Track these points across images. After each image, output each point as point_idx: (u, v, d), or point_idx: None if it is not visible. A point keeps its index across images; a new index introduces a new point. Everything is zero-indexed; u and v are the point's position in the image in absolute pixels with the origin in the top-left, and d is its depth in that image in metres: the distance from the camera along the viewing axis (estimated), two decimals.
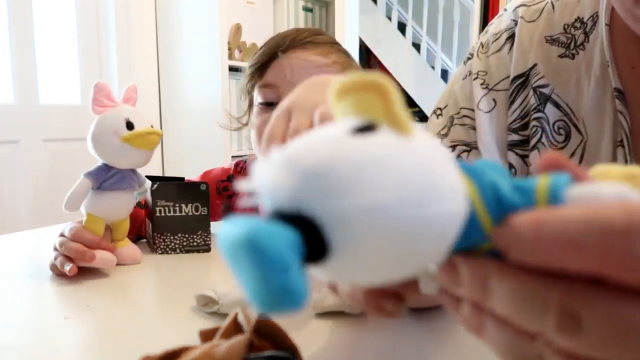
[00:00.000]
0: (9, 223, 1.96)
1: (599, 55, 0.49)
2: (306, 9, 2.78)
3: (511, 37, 0.55)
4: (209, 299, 0.51)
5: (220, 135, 2.21)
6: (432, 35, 4.07)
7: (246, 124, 0.85)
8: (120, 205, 0.70)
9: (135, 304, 0.57)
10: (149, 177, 0.77)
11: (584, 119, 0.50)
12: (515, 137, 0.53)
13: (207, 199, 0.73)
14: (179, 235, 0.73)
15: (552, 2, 0.53)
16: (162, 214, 0.72)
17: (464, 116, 0.55)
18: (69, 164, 2.16)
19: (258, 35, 2.45)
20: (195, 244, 0.73)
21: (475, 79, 0.55)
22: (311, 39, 0.76)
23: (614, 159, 0.48)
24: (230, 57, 2.28)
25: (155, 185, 0.73)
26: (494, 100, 0.54)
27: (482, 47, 0.57)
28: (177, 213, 0.72)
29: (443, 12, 3.93)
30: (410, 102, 4.20)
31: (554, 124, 0.51)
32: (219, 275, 0.64)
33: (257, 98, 0.77)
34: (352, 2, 2.98)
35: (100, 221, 0.68)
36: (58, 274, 0.64)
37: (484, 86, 0.55)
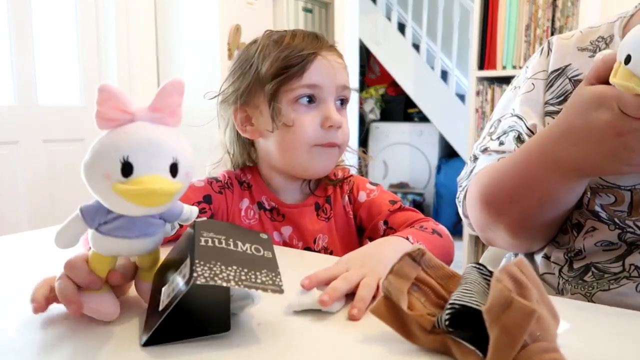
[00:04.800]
0: (8, 224, 1.97)
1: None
2: (306, 10, 2.78)
3: (548, 49, 0.79)
4: None
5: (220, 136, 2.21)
6: (431, 36, 4.08)
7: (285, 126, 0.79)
8: (134, 251, 0.51)
9: (135, 305, 0.56)
10: None
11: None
12: (553, 108, 0.74)
13: (271, 247, 0.53)
14: (234, 267, 0.47)
15: (580, 31, 0.78)
16: (209, 245, 0.49)
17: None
18: (69, 164, 2.16)
19: (258, 36, 2.45)
20: (259, 281, 0.47)
21: (528, 78, 0.80)
22: (330, 42, 0.83)
23: None
24: (230, 57, 2.29)
25: (203, 219, 0.52)
26: (532, 84, 0.78)
27: (528, 68, 0.82)
28: (232, 247, 0.50)
29: (443, 12, 3.93)
30: (410, 103, 4.21)
31: None
32: None
33: (294, 96, 0.77)
34: (352, 2, 2.98)
35: (105, 260, 0.50)
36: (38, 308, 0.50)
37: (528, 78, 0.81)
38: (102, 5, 2.26)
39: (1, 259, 0.76)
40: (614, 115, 0.51)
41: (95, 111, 0.45)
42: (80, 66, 2.24)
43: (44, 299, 0.49)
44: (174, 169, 0.47)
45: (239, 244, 0.51)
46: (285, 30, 0.83)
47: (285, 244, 0.84)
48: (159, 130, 0.47)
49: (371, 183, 0.87)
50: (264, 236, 0.54)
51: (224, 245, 0.49)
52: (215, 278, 0.45)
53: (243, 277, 0.46)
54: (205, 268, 0.45)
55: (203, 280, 0.44)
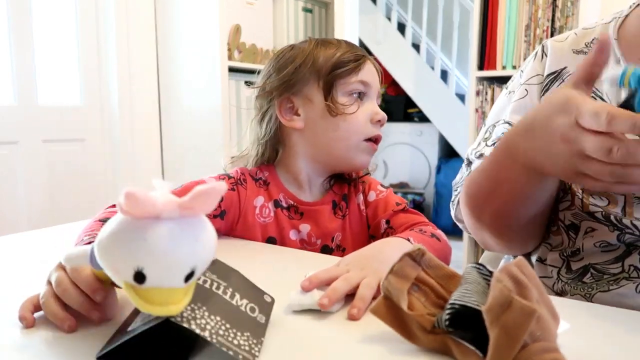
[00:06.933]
0: (8, 224, 1.96)
1: (613, 56, 0.68)
2: (306, 10, 2.78)
3: (542, 52, 0.78)
4: None
5: (220, 137, 2.21)
6: (431, 36, 4.08)
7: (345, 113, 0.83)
8: None
9: None
10: None
11: (607, 93, 0.69)
12: None
13: (269, 312, 0.51)
14: (218, 318, 0.45)
15: (575, 33, 0.78)
16: (205, 286, 0.47)
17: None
18: (69, 164, 2.16)
19: (257, 36, 2.45)
20: (235, 343, 0.44)
21: (522, 84, 0.79)
22: None
23: None
24: (230, 57, 2.29)
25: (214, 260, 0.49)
26: (526, 90, 0.78)
27: (522, 72, 0.82)
28: (226, 297, 0.48)
29: (443, 12, 3.93)
30: (410, 103, 4.21)
31: None
32: None
33: (349, 90, 0.83)
34: (352, 2, 2.98)
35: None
36: (29, 325, 0.50)
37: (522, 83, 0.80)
38: (102, 5, 2.26)
39: (1, 259, 0.76)
40: (569, 122, 0.51)
41: (120, 207, 0.40)
42: (80, 66, 2.24)
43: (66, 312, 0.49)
44: (189, 276, 0.42)
45: (237, 296, 0.48)
46: (337, 39, 0.88)
47: (303, 242, 0.84)
48: (181, 238, 0.41)
49: (382, 185, 0.90)
50: (268, 299, 0.52)
51: (219, 292, 0.47)
52: (192, 322, 0.42)
53: (221, 332, 0.43)
54: (188, 308, 0.42)
55: (178, 320, 0.41)
